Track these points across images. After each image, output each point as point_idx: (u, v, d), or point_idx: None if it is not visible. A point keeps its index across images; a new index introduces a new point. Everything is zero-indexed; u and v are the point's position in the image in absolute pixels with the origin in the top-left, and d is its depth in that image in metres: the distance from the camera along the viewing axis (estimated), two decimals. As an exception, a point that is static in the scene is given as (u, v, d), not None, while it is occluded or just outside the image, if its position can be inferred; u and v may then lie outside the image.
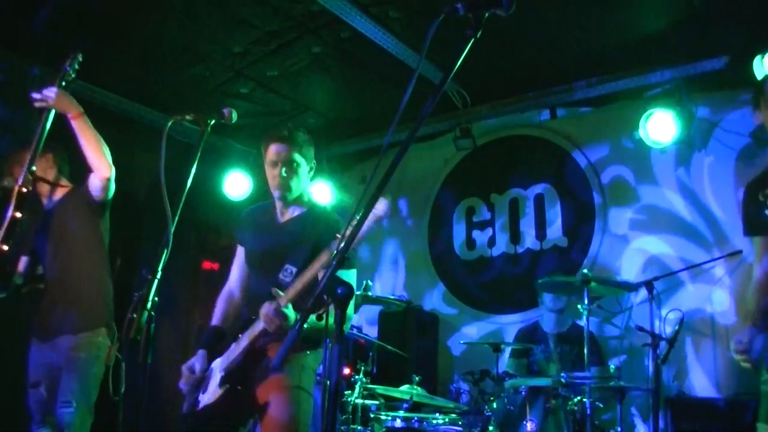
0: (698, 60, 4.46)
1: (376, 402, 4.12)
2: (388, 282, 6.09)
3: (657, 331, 3.82)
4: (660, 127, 4.58)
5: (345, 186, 6.02)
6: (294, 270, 2.59)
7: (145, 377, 2.02)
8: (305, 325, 2.46)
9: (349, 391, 4.00)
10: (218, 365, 2.67)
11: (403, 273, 6.07)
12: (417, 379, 4.14)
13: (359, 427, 3.95)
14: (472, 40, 1.60)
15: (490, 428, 3.79)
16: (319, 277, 2.31)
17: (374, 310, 5.58)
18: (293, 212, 2.83)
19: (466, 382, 4.55)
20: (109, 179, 3.26)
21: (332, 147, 6.03)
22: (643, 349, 3.93)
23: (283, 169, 2.74)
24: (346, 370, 4.24)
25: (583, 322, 3.84)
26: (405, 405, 4.02)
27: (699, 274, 4.54)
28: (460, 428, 3.94)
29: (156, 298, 2.06)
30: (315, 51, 4.58)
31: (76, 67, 3.22)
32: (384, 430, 3.95)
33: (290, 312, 2.41)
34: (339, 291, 1.57)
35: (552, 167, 5.44)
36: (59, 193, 3.50)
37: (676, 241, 4.76)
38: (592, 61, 4.67)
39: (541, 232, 5.40)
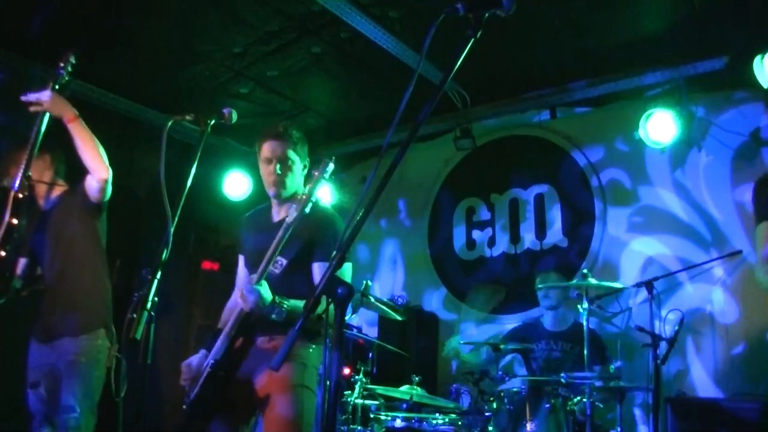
0: (698, 60, 4.46)
1: (376, 402, 4.11)
2: (388, 282, 6.08)
3: (657, 332, 3.83)
4: (660, 127, 4.58)
5: (345, 186, 6.02)
6: (284, 262, 2.59)
7: (145, 377, 2.02)
8: (286, 305, 2.47)
9: (349, 391, 4.00)
10: (210, 357, 2.69)
11: (403, 273, 6.07)
12: (417, 379, 4.13)
13: (359, 427, 3.94)
14: (472, 40, 1.60)
15: (490, 428, 3.78)
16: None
17: (374, 310, 5.58)
18: (288, 211, 2.83)
19: (466, 382, 4.55)
20: (106, 181, 3.24)
21: (332, 147, 6.03)
22: (643, 349, 3.92)
23: (278, 166, 2.74)
24: (346, 370, 4.23)
25: (583, 322, 3.84)
26: (405, 405, 4.02)
27: (699, 274, 4.55)
28: (460, 428, 3.93)
29: (156, 298, 2.06)
30: (315, 51, 4.58)
31: (70, 69, 3.16)
32: (384, 430, 3.94)
33: (264, 289, 2.43)
34: (339, 291, 1.56)
35: (552, 167, 5.43)
36: (56, 194, 3.49)
37: (675, 241, 4.76)
38: (591, 62, 4.67)
39: (541, 233, 5.40)
